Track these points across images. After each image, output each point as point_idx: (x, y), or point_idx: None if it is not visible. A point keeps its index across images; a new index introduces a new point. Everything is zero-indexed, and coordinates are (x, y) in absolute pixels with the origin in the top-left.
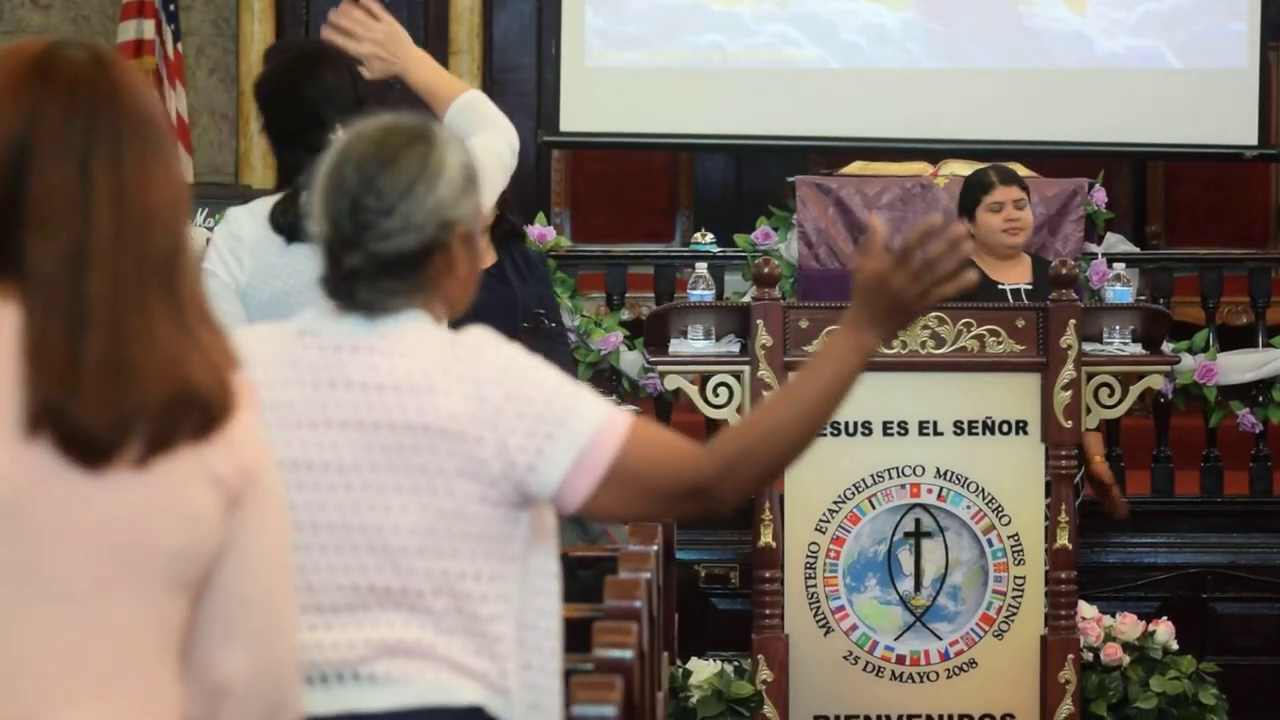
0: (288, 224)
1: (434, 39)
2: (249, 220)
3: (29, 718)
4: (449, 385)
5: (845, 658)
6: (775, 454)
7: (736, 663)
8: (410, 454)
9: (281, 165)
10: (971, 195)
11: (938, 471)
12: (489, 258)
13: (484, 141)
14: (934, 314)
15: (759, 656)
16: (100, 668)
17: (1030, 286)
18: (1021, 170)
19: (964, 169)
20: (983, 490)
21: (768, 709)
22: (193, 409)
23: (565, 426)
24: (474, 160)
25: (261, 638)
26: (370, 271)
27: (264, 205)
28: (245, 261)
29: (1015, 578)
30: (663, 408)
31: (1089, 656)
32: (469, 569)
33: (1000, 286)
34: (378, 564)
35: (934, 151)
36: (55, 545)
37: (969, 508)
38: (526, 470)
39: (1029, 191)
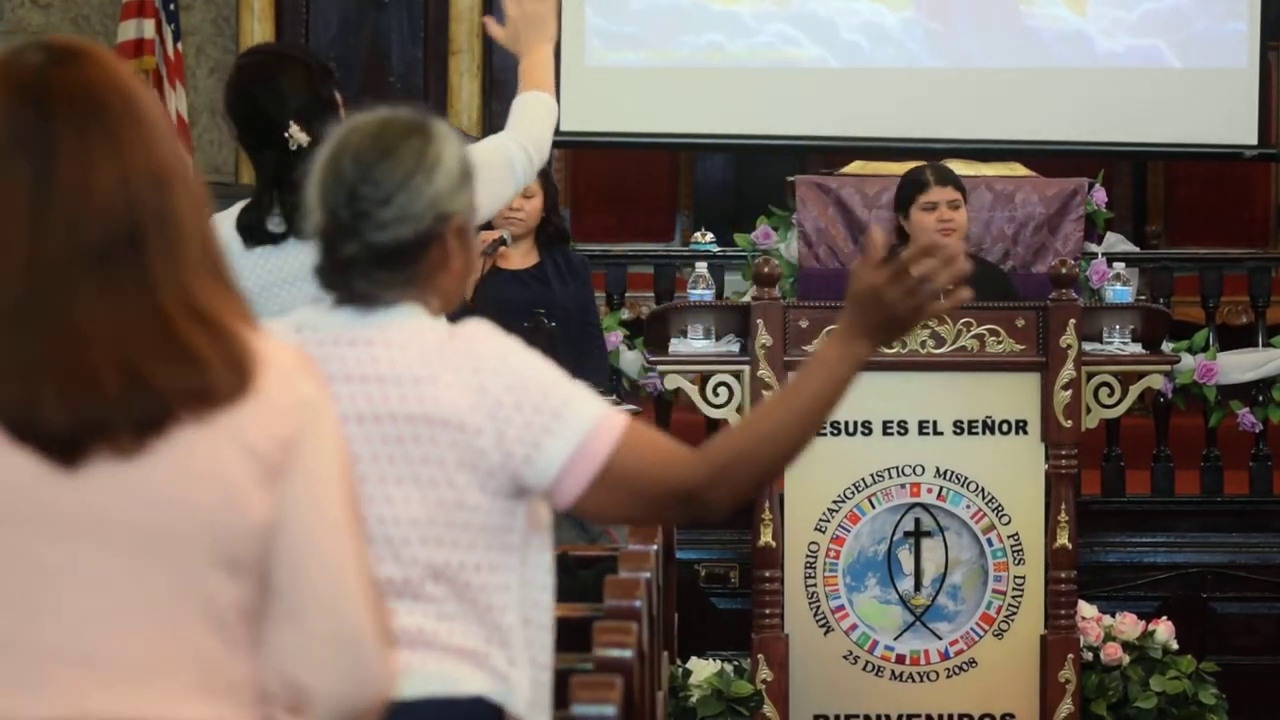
0: (245, 226)
1: (434, 38)
2: (224, 223)
3: (81, 709)
4: (448, 376)
5: (845, 657)
6: (767, 461)
7: (736, 662)
8: (410, 445)
9: (255, 170)
10: (906, 193)
11: (937, 471)
12: (532, 258)
13: (499, 139)
14: None
15: (759, 656)
16: (146, 653)
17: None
18: (1021, 170)
19: (964, 169)
20: (982, 490)
21: (767, 708)
22: (163, 391)
23: (562, 420)
24: (470, 155)
25: (330, 610)
26: (366, 261)
27: (239, 208)
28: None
29: (1015, 577)
30: (662, 407)
31: (1089, 656)
32: (469, 559)
33: None
34: (379, 555)
35: (934, 151)
36: (80, 537)
37: (969, 507)
38: (523, 461)
39: (965, 193)
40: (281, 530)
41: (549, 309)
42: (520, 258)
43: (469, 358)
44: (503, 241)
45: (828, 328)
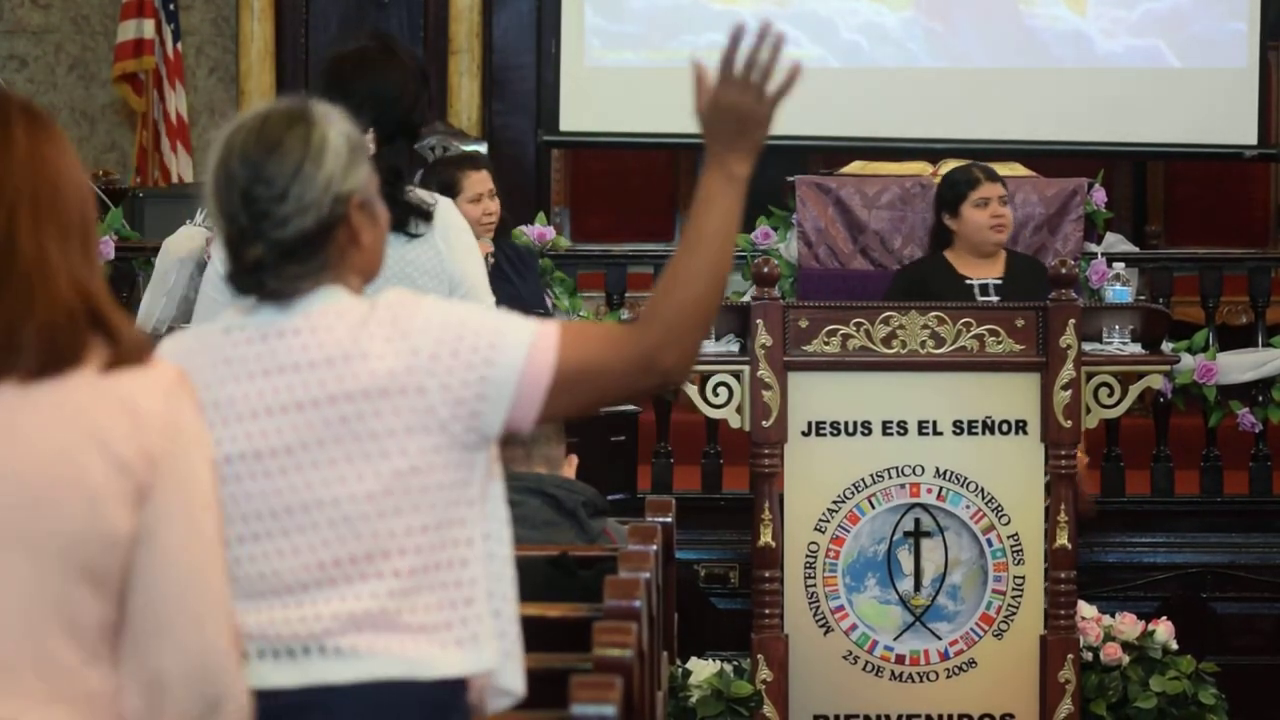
0: None
1: (434, 38)
2: None
3: None
4: (378, 347)
5: (845, 657)
6: (699, 302)
7: (736, 662)
8: (355, 422)
9: None
10: (956, 191)
11: (937, 471)
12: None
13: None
14: (933, 314)
15: (758, 656)
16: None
17: (1000, 281)
18: (1021, 170)
19: None
20: (982, 490)
21: (767, 709)
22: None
23: (499, 350)
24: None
25: (191, 631)
26: (274, 259)
27: None
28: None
29: (1015, 577)
30: (662, 407)
31: (1088, 656)
32: (430, 520)
33: (968, 282)
34: (339, 535)
35: (933, 151)
36: None
37: (968, 507)
38: (476, 401)
39: (1009, 190)
40: (146, 548)
41: (511, 304)
42: None
43: (395, 325)
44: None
45: (827, 327)
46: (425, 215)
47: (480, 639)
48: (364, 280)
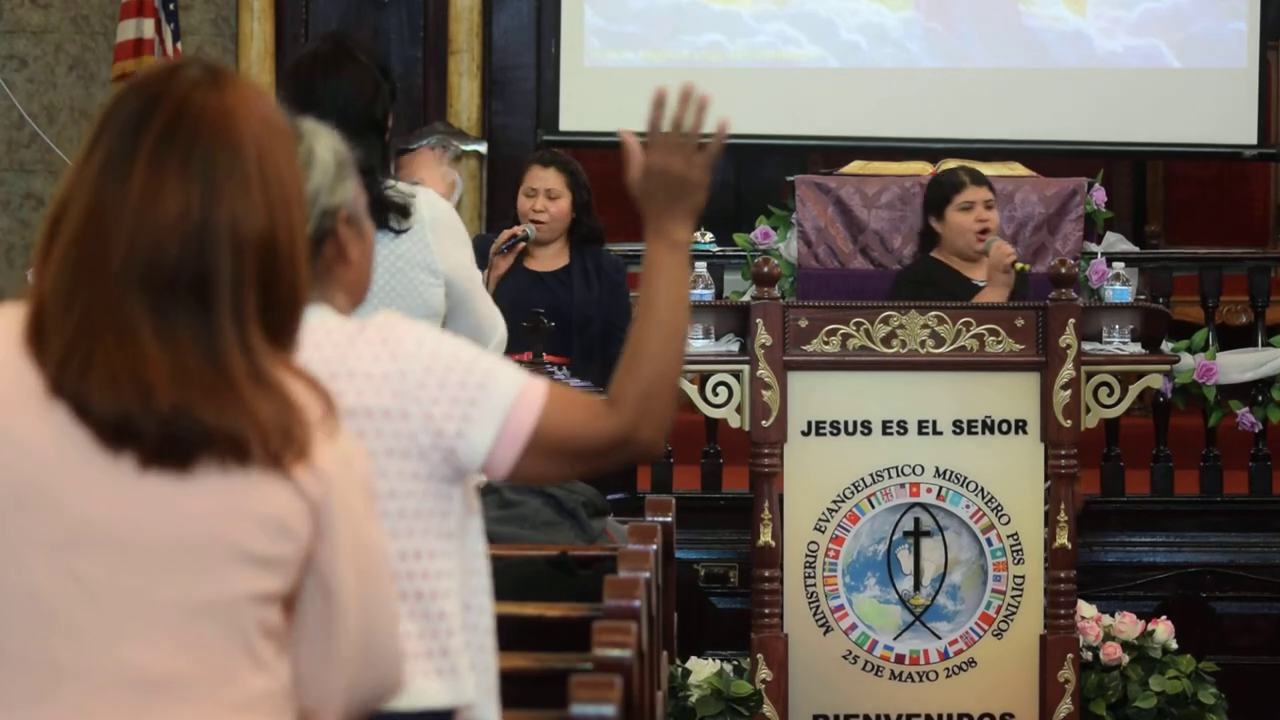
0: None
1: (433, 38)
2: None
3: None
4: (366, 368)
5: (844, 657)
6: (663, 374)
7: (736, 662)
8: None
9: None
10: (941, 194)
11: (937, 471)
12: (561, 260)
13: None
14: (933, 313)
15: (758, 656)
16: (165, 669)
17: (1029, 266)
18: (1020, 170)
19: None
20: (982, 489)
21: (767, 708)
22: (205, 425)
23: (487, 391)
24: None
25: (366, 630)
26: None
27: None
28: None
29: (1014, 577)
30: None
31: (1088, 656)
32: (408, 547)
33: (977, 283)
34: None
35: (933, 151)
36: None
37: (968, 507)
38: (455, 437)
39: (995, 193)
40: (322, 559)
41: (566, 312)
42: (550, 259)
43: (385, 346)
44: (525, 238)
45: (827, 327)
46: (403, 211)
47: (460, 671)
48: (351, 299)
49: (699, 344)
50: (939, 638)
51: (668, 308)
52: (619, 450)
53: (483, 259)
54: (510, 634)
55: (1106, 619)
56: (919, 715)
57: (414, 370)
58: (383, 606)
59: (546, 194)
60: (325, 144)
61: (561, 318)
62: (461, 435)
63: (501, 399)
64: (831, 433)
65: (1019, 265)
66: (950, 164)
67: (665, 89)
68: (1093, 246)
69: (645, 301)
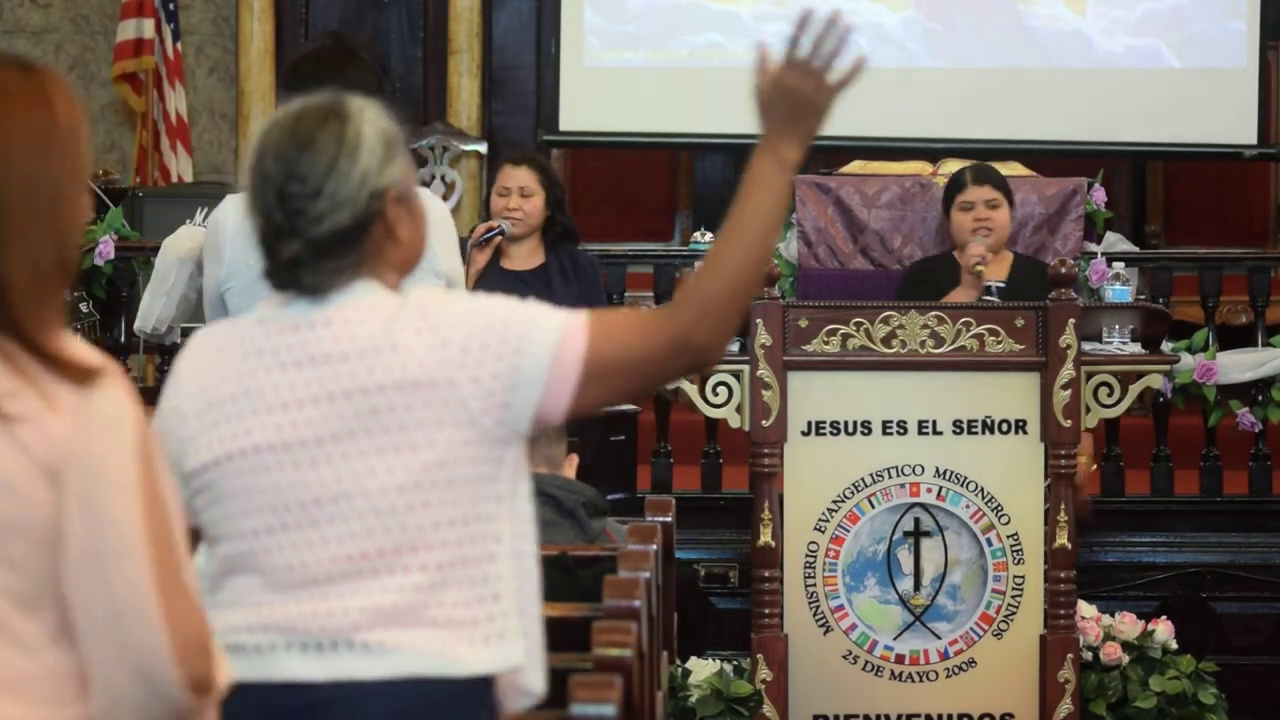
0: None
1: (433, 38)
2: (232, 206)
3: None
4: (409, 340)
5: (844, 657)
6: (736, 285)
7: (736, 662)
8: (386, 414)
9: None
10: (947, 193)
11: (937, 471)
12: (537, 258)
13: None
14: (933, 313)
15: (758, 656)
16: None
17: (1004, 284)
18: (1020, 169)
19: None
20: (982, 489)
21: (767, 708)
22: None
23: (529, 340)
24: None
25: (111, 623)
26: (311, 256)
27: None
28: (224, 253)
29: (1014, 577)
30: (662, 406)
31: (1088, 656)
32: (458, 514)
33: (984, 282)
34: (368, 528)
35: (933, 151)
36: None
37: (968, 507)
38: (507, 392)
39: (1009, 194)
40: (63, 539)
41: None
42: (525, 258)
43: (424, 318)
44: (500, 232)
45: (827, 326)
46: None
47: (507, 635)
48: (401, 274)
49: None
50: (939, 638)
51: (758, 223)
52: (676, 357)
53: (461, 255)
54: None
55: (1106, 619)
56: (919, 715)
57: (455, 338)
58: (130, 588)
59: (520, 192)
60: (373, 125)
61: None
62: (513, 390)
63: (544, 344)
64: (831, 433)
65: (980, 268)
66: (952, 163)
67: (812, 10)
68: (1093, 246)
69: (737, 213)
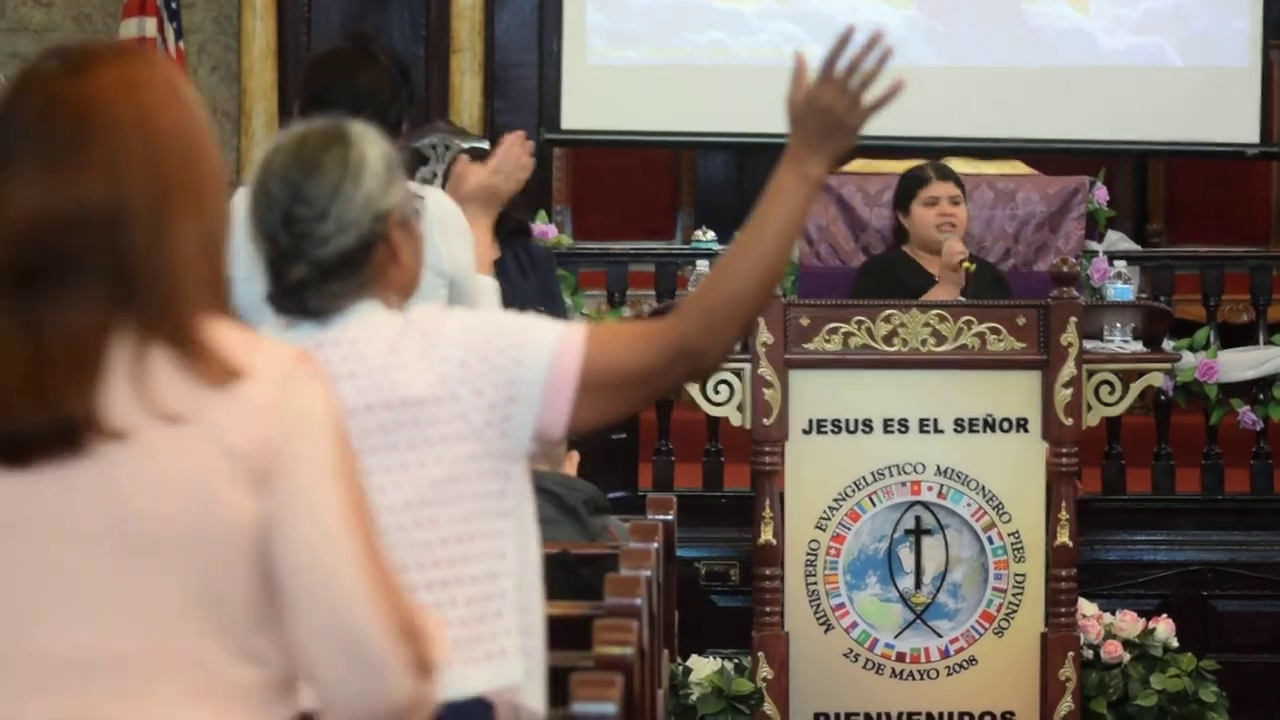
0: None
1: (435, 37)
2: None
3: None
4: (411, 359)
5: (845, 655)
6: (745, 296)
7: (737, 660)
8: (392, 431)
9: None
10: (906, 190)
11: (938, 469)
12: (493, 253)
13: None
14: (935, 312)
15: (759, 654)
16: (138, 658)
17: (975, 265)
18: (1022, 168)
19: (965, 167)
20: (983, 488)
21: (768, 706)
22: (73, 415)
23: (526, 350)
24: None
25: (328, 612)
26: (316, 278)
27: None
28: (239, 251)
29: (1015, 575)
30: (663, 406)
31: (1089, 654)
32: (464, 531)
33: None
34: None
35: (935, 149)
36: (59, 542)
37: (969, 505)
38: (507, 405)
39: (965, 191)
40: (275, 533)
41: (507, 302)
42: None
43: (425, 337)
44: None
45: (829, 324)
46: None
47: (507, 653)
48: (402, 297)
49: None
50: (940, 636)
51: (774, 235)
52: (674, 363)
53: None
54: None
55: (1107, 617)
56: (920, 713)
57: (455, 354)
58: (342, 579)
59: None
60: (375, 149)
61: (503, 307)
62: (512, 400)
63: (540, 357)
64: (833, 431)
65: (966, 264)
66: (953, 162)
67: (853, 27)
68: (1094, 245)
69: (754, 223)
